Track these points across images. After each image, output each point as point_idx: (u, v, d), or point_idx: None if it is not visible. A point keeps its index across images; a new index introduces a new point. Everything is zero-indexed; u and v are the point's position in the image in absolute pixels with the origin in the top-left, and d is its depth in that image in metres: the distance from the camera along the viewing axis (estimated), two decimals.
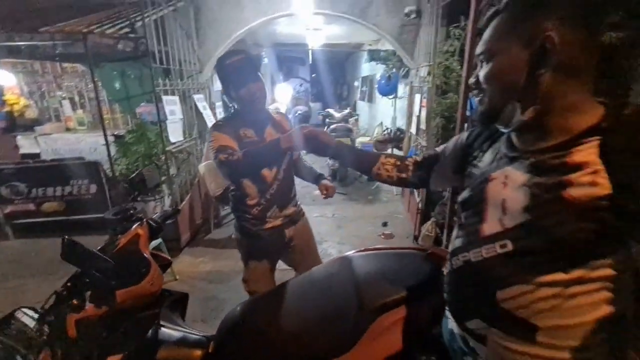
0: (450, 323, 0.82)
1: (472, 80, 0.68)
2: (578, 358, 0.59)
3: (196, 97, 3.54)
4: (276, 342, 1.03)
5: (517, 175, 0.63)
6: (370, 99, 7.56)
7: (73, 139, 3.92)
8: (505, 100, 0.63)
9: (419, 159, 0.99)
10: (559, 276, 0.57)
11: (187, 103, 3.44)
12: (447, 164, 0.90)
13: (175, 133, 2.87)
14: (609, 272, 0.56)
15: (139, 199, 2.95)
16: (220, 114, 4.66)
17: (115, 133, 3.85)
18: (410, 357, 1.06)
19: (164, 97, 2.80)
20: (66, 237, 0.79)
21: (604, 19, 0.58)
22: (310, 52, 5.68)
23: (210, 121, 3.75)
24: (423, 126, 3.14)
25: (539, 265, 0.59)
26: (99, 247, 0.93)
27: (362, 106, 8.57)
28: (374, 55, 4.78)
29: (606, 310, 0.57)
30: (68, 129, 4.21)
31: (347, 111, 6.33)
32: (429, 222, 3.07)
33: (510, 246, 0.62)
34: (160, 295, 1.05)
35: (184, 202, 3.35)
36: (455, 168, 0.86)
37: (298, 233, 1.67)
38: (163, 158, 3.10)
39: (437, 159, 0.94)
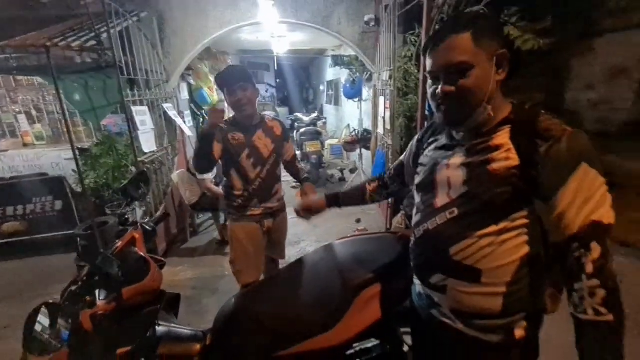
0: (417, 287, 1.00)
1: (449, 90, 0.77)
2: (510, 290, 0.78)
3: (166, 106, 3.54)
4: (271, 326, 1.14)
5: (456, 158, 0.83)
6: (337, 102, 7.80)
7: (32, 155, 3.73)
8: (478, 104, 0.76)
9: (392, 172, 1.21)
10: (492, 228, 0.76)
11: (156, 112, 3.42)
12: (410, 166, 1.09)
13: (148, 143, 2.87)
14: (524, 221, 0.75)
15: (108, 212, 2.91)
16: (189, 122, 4.66)
17: (79, 146, 3.73)
18: (388, 324, 1.22)
19: (134, 108, 2.79)
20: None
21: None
22: (275, 58, 5.78)
23: (177, 131, 3.76)
24: (388, 126, 3.37)
25: (477, 223, 0.78)
26: (100, 251, 1.00)
27: (329, 109, 8.80)
28: (338, 61, 4.99)
29: (526, 249, 0.77)
30: (26, 145, 4.00)
31: (315, 115, 6.51)
32: (399, 215, 3.30)
33: (456, 212, 0.81)
34: (160, 293, 1.12)
35: (158, 213, 3.33)
36: (415, 164, 1.04)
37: (275, 226, 1.91)
38: (134, 169, 3.08)
39: (403, 164, 1.14)
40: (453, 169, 0.82)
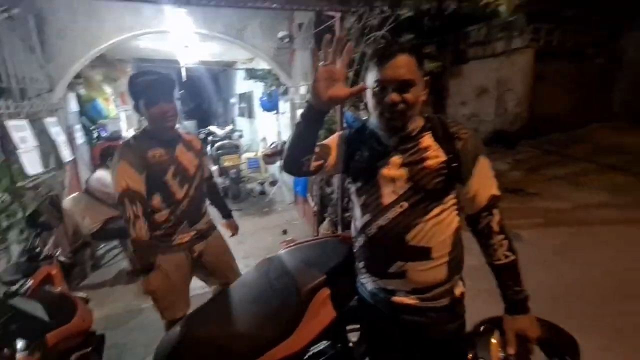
0: (369, 285, 1.08)
1: (398, 99, 0.89)
2: (451, 257, 0.98)
3: (48, 120, 2.99)
4: (225, 346, 1.08)
5: (394, 160, 0.97)
6: (250, 115, 7.72)
7: None
8: (413, 115, 0.93)
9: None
10: (435, 212, 0.95)
11: (36, 127, 2.86)
12: (340, 160, 1.10)
13: (33, 164, 2.37)
14: (453, 201, 0.98)
15: None
16: (81, 137, 4.02)
17: None
18: (340, 325, 1.29)
19: (10, 122, 2.30)
20: None
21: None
22: (180, 69, 5.44)
23: (65, 149, 3.17)
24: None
25: (423, 210, 0.95)
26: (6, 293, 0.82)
27: (242, 122, 8.64)
28: (253, 74, 4.99)
29: (456, 222, 0.99)
30: None
31: (229, 128, 6.31)
32: (325, 222, 3.45)
33: (406, 204, 0.95)
34: (88, 335, 0.96)
35: (47, 246, 2.75)
36: (347, 166, 1.09)
37: (210, 248, 1.70)
38: (8, 197, 2.49)
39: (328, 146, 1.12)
40: (394, 169, 0.96)
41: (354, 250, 1.13)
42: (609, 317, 2.06)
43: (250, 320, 1.14)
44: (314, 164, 1.05)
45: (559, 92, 6.87)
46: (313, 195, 3.65)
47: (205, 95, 12.96)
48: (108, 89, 4.58)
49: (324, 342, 1.36)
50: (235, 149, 5.06)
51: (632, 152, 5.54)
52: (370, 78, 0.94)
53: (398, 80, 0.89)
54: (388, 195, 0.97)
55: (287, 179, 5.01)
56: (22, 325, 0.77)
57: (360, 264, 1.09)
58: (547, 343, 0.99)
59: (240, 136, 6.35)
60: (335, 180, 3.55)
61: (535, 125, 6.24)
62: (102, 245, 3.58)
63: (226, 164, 4.73)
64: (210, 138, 5.83)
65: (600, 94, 7.58)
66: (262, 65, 5.13)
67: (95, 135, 4.39)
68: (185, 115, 11.75)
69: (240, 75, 7.28)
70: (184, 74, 5.19)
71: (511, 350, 0.93)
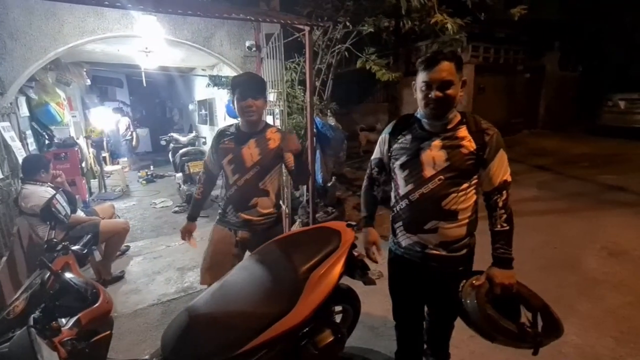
0: (404, 243, 1.36)
1: (440, 95, 1.18)
2: (470, 220, 1.29)
3: (1, 125, 2.81)
4: (230, 325, 1.19)
5: (436, 143, 1.24)
6: (212, 122, 7.62)
7: None
8: (451, 107, 1.22)
9: (376, 169, 1.46)
10: (464, 186, 1.25)
11: None
12: (386, 155, 1.40)
13: None
14: (476, 180, 1.27)
15: None
16: (32, 144, 3.76)
17: None
18: (330, 304, 1.45)
19: None
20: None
21: None
22: (125, 74, 5.27)
23: (20, 155, 3.01)
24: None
25: (456, 183, 1.24)
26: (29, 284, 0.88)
27: (203, 129, 8.47)
28: (216, 80, 5.00)
29: (475, 197, 1.29)
30: None
31: (192, 135, 6.21)
32: (296, 223, 3.60)
33: (442, 178, 1.23)
34: (109, 319, 1.03)
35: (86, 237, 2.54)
36: (389, 152, 1.37)
37: (256, 242, 1.70)
38: None
39: (381, 159, 1.43)
40: (436, 150, 1.24)
41: (392, 214, 1.40)
42: (542, 288, 2.46)
43: (252, 300, 1.26)
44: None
45: (496, 102, 7.77)
46: (284, 198, 3.78)
47: (158, 102, 12.42)
48: (62, 94, 4.32)
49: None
50: (200, 155, 5.02)
51: (554, 154, 6.47)
52: (420, 79, 1.22)
53: (441, 80, 1.17)
54: (428, 170, 1.25)
55: None
56: (61, 304, 0.84)
57: (398, 224, 1.37)
58: (523, 299, 1.28)
59: (204, 142, 6.26)
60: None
61: None
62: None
63: (192, 170, 4.68)
64: (172, 145, 5.68)
65: (529, 104, 8.69)
66: (227, 72, 5.16)
67: (46, 141, 4.11)
68: (137, 122, 11.12)
69: (200, 81, 7.16)
70: (144, 79, 5.03)
71: (497, 290, 1.22)
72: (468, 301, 1.25)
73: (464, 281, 1.29)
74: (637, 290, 2.43)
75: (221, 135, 1.79)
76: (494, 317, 1.21)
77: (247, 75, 1.78)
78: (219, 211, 1.85)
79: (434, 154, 1.24)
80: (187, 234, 1.95)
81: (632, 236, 3.22)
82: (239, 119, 1.75)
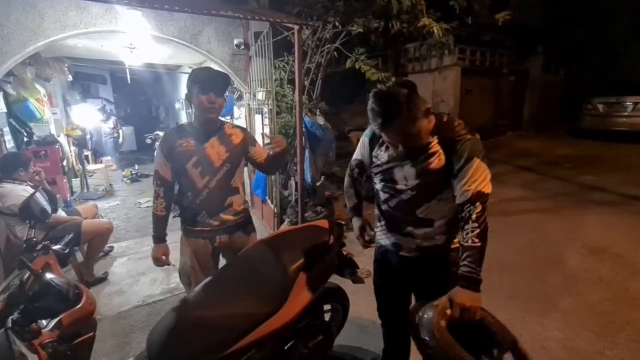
0: (383, 242, 1.41)
1: (406, 147, 1.17)
2: (448, 227, 1.28)
3: None
4: (217, 325, 1.17)
5: (408, 164, 1.24)
6: None
7: None
8: (418, 141, 1.16)
9: (357, 170, 1.47)
10: (437, 197, 1.24)
11: None
12: (367, 156, 1.40)
13: None
14: (450, 193, 1.20)
15: None
16: (10, 142, 3.63)
17: None
18: (320, 303, 1.45)
19: None
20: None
21: None
22: (109, 70, 5.14)
23: None
24: (267, 140, 3.62)
25: (427, 196, 1.25)
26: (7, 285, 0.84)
27: None
28: None
29: (451, 205, 1.22)
30: None
31: None
32: (285, 223, 3.58)
33: (415, 192, 1.25)
34: (92, 321, 1.00)
35: (68, 236, 2.45)
36: (370, 156, 1.38)
37: (235, 243, 1.71)
38: None
39: (362, 161, 1.44)
40: (407, 168, 1.25)
41: (376, 214, 1.43)
42: (526, 285, 2.53)
43: (241, 299, 1.24)
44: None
45: (482, 104, 7.92)
46: (273, 197, 3.75)
47: (143, 99, 12.17)
48: (41, 89, 4.18)
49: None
50: None
51: (538, 155, 6.64)
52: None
53: (399, 141, 1.16)
54: (402, 184, 1.27)
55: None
56: (41, 305, 0.81)
57: (381, 224, 1.41)
58: (484, 328, 1.08)
59: None
60: (292, 183, 3.72)
61: None
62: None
63: None
64: (157, 144, 5.56)
65: (514, 106, 8.89)
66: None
67: (24, 138, 3.97)
68: (122, 120, 10.86)
69: (187, 79, 7.04)
70: (128, 76, 4.91)
71: (455, 312, 1.06)
72: (425, 316, 1.10)
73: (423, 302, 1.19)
74: (616, 286, 2.52)
75: (171, 139, 1.62)
76: (448, 340, 1.01)
77: (212, 71, 1.63)
78: (184, 223, 1.69)
79: (405, 173, 1.26)
80: (162, 257, 1.68)
81: (611, 234, 3.33)
82: (193, 117, 1.66)
